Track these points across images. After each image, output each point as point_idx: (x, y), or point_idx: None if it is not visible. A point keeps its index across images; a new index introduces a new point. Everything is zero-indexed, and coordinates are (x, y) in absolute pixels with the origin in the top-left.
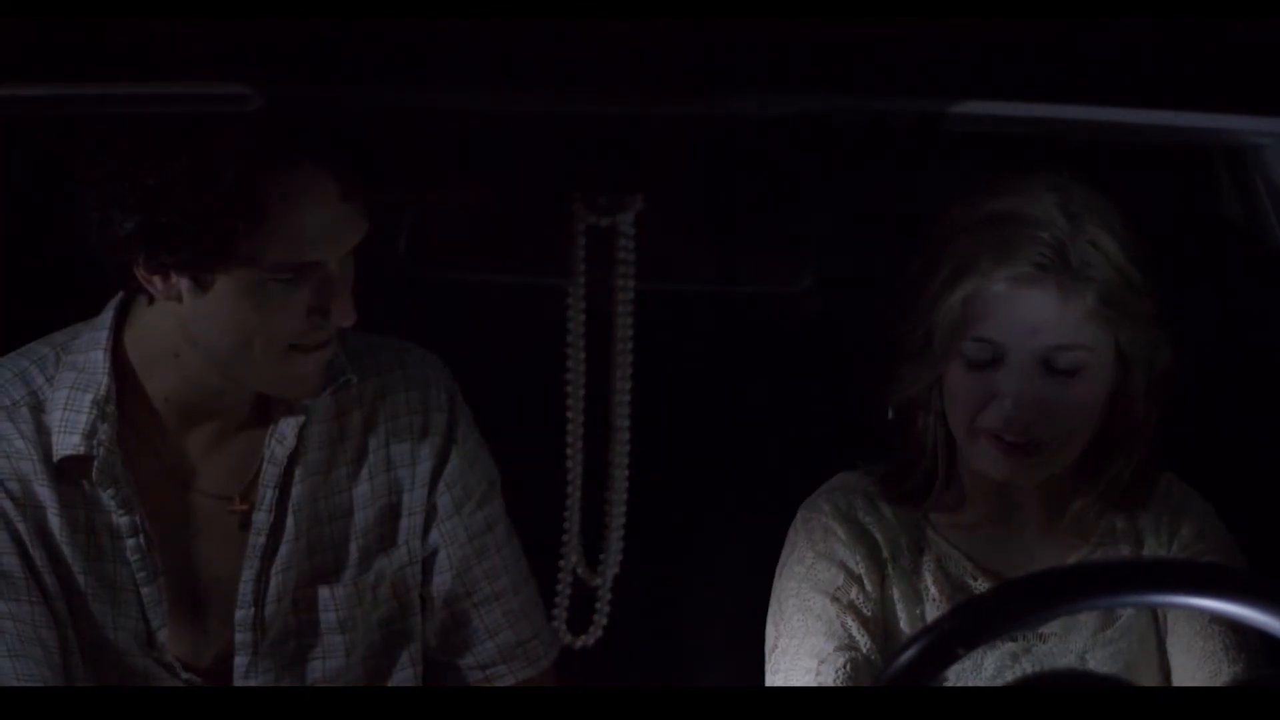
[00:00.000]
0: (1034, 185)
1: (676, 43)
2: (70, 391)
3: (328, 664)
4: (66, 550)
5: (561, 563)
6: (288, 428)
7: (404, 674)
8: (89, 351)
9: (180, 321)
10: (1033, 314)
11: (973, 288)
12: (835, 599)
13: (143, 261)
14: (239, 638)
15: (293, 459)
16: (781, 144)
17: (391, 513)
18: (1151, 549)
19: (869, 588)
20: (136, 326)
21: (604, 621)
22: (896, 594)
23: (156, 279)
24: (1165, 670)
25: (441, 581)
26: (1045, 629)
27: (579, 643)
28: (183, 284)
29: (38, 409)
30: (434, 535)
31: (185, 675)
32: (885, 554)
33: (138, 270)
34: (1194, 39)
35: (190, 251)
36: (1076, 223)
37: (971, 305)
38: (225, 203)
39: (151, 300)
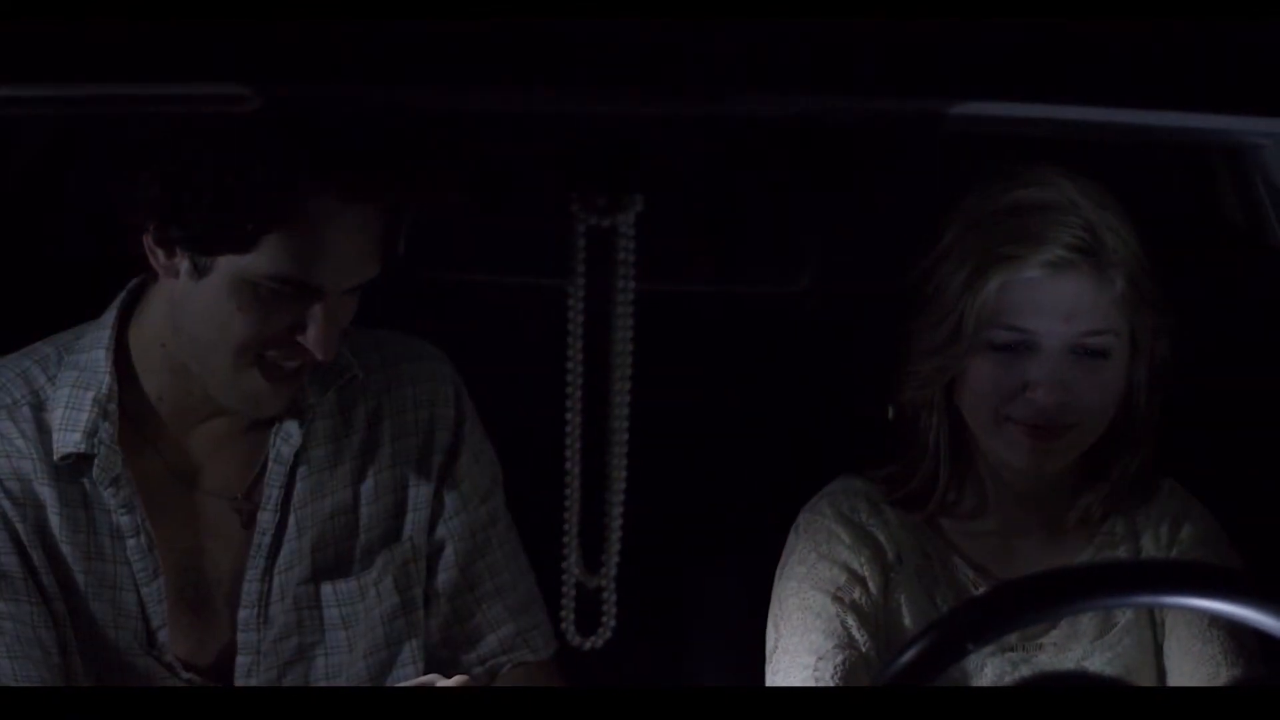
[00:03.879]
0: (1048, 175)
1: (676, 43)
2: (72, 390)
3: (330, 660)
4: (67, 550)
5: (564, 564)
6: (293, 426)
7: (405, 670)
8: (91, 350)
9: (171, 304)
10: (1068, 300)
11: (1007, 276)
12: (836, 598)
13: (153, 230)
14: (241, 638)
15: (297, 456)
16: (781, 144)
17: (396, 508)
18: (1150, 553)
19: (873, 590)
20: (137, 324)
21: (612, 623)
22: (902, 598)
23: (161, 251)
24: (1162, 675)
25: (446, 577)
26: (1044, 638)
27: (588, 644)
28: (183, 264)
29: (39, 408)
30: (440, 530)
31: (186, 675)
32: (890, 557)
33: (146, 238)
34: (1194, 39)
35: (199, 233)
36: (1100, 207)
37: (1006, 294)
38: (247, 196)
39: (153, 280)
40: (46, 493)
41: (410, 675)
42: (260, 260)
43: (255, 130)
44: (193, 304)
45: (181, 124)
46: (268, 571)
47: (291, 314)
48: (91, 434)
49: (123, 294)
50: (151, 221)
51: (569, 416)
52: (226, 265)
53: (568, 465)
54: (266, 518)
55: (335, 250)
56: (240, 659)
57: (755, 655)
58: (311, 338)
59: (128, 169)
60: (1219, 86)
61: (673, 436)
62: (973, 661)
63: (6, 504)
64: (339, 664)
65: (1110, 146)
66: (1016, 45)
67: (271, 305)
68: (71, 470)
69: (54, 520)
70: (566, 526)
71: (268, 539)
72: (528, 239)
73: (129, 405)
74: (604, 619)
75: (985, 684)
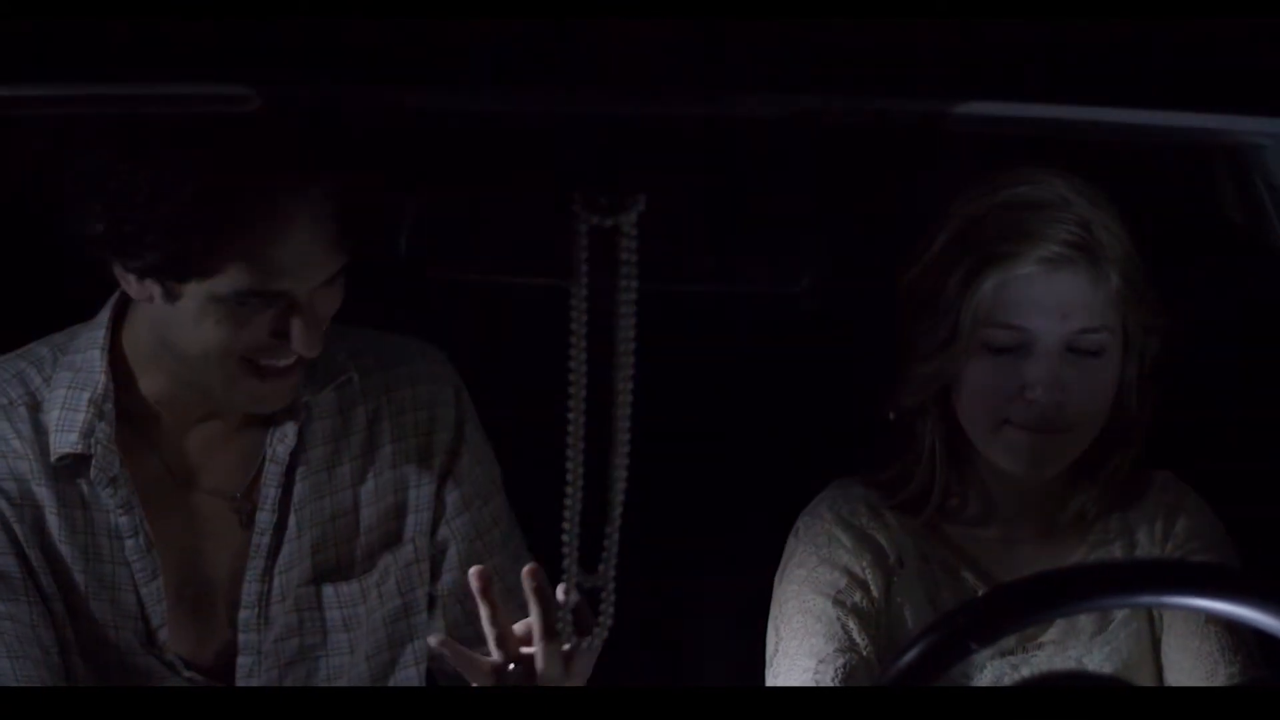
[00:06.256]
0: (1041, 173)
1: (676, 43)
2: (68, 391)
3: (331, 662)
4: (65, 550)
5: (564, 564)
6: (289, 426)
7: (407, 672)
8: (86, 351)
9: (154, 324)
10: (1064, 297)
11: (1003, 274)
12: (837, 601)
13: (115, 262)
14: (242, 638)
15: (295, 456)
16: (781, 144)
17: (397, 510)
18: (1145, 548)
19: (874, 592)
20: (131, 326)
21: (609, 623)
22: (902, 600)
23: (131, 279)
24: (1160, 670)
25: (452, 579)
26: (1042, 636)
27: (584, 644)
28: (155, 289)
29: (35, 408)
30: (443, 532)
31: (187, 674)
32: (891, 560)
33: (114, 269)
34: (1194, 39)
35: (152, 262)
36: (1093, 204)
37: (1002, 292)
38: (183, 219)
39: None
40: (44, 494)
41: (413, 677)
42: (224, 279)
43: (189, 148)
44: (174, 325)
45: (115, 157)
46: (267, 572)
47: (269, 320)
48: (88, 434)
49: (116, 293)
50: (109, 255)
51: (571, 417)
52: (194, 288)
53: (569, 466)
54: (264, 518)
55: (293, 254)
56: (241, 659)
57: (754, 656)
58: (295, 339)
59: (74, 205)
60: (1219, 86)
61: (673, 437)
62: (972, 665)
63: (4, 504)
64: (341, 665)
65: (1110, 146)
66: (1016, 45)
67: (247, 316)
68: (69, 471)
69: (52, 521)
70: (566, 527)
71: (266, 539)
72: (529, 239)
73: (126, 405)
74: (601, 619)
75: (985, 683)
